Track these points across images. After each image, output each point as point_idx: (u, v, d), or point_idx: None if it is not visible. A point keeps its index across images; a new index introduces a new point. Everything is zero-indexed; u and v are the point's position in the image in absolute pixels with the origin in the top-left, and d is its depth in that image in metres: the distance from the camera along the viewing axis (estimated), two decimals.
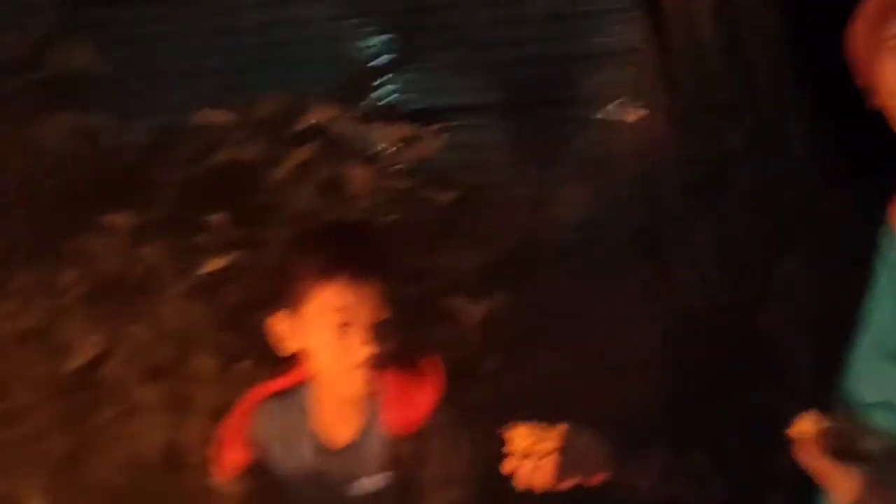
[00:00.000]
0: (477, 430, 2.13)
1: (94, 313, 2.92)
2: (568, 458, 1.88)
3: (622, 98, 3.92)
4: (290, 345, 2.23)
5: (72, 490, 2.81)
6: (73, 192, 3.13)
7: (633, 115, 3.91)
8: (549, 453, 1.87)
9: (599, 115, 3.93)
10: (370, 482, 2.21)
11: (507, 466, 1.89)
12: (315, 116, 3.19)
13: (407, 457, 2.18)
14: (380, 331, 2.15)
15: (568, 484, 1.90)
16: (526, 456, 1.87)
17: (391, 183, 3.19)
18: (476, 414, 2.16)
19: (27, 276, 2.98)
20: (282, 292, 2.22)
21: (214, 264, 2.91)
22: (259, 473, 2.30)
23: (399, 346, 2.21)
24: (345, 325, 2.13)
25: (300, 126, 3.20)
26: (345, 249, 2.20)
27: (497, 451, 2.00)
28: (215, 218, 2.98)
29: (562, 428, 1.88)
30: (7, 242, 3.10)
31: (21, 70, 3.16)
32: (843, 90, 1.65)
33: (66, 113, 3.19)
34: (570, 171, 3.74)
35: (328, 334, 2.14)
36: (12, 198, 3.13)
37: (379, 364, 2.16)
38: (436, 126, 3.33)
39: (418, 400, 2.19)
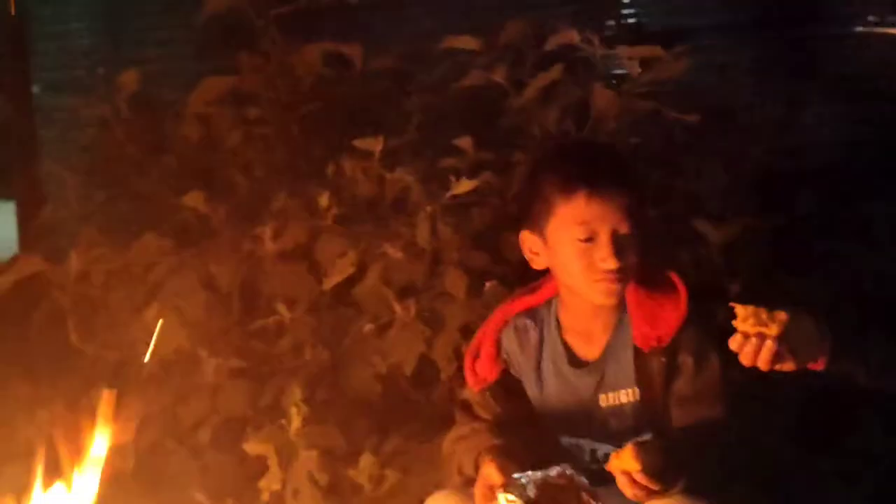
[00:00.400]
0: (722, 351, 2.13)
1: (349, 233, 3.04)
2: (788, 344, 1.93)
3: (877, 13, 3.76)
4: (538, 261, 2.28)
5: (330, 400, 2.95)
6: (327, 118, 3.25)
7: (889, 30, 3.75)
8: (770, 337, 1.89)
9: (852, 31, 3.78)
10: (618, 396, 2.24)
11: (732, 342, 1.94)
12: (559, 40, 3.21)
13: (655, 372, 2.20)
14: (624, 245, 2.17)
15: (786, 368, 1.93)
16: (748, 336, 1.91)
17: (635, 104, 3.17)
18: (721, 336, 2.15)
19: (287, 199, 3.12)
20: (528, 210, 2.27)
21: (463, 186, 2.99)
22: (507, 387, 2.37)
23: (644, 263, 2.23)
24: (588, 240, 2.17)
25: (545, 49, 3.22)
26: (587, 164, 2.24)
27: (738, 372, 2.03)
28: (463, 141, 3.05)
29: (783, 314, 1.91)
30: (268, 167, 3.27)
31: (277, 2, 3.29)
32: None
33: (320, 42, 3.31)
34: (820, 89, 3.62)
35: (573, 249, 2.18)
36: (272, 124, 3.28)
37: (625, 278, 2.19)
38: (680, 47, 3.28)
39: (666, 315, 2.20)
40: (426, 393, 2.95)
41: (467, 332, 2.81)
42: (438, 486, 2.40)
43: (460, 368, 2.72)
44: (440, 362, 2.90)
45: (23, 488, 2.52)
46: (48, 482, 2.49)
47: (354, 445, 2.89)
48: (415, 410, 2.94)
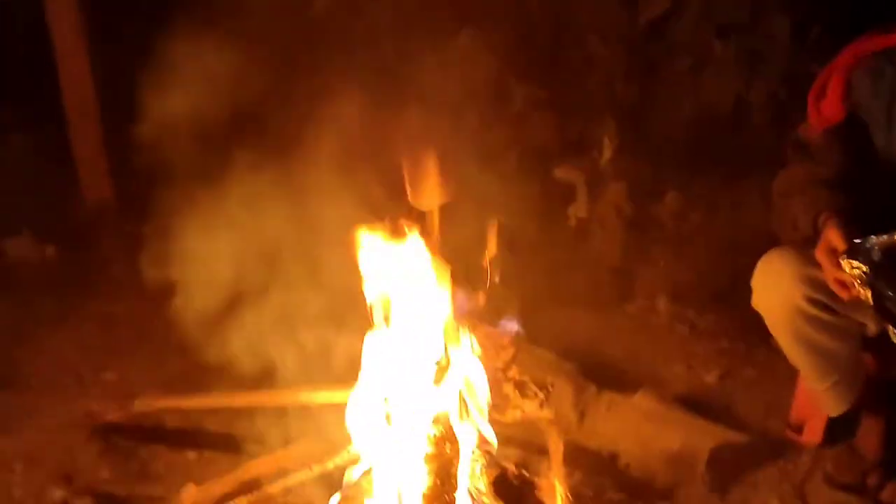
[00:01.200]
0: None
1: None
2: None
3: None
4: None
5: (637, 138, 2.95)
6: None
7: None
8: None
9: None
10: None
11: None
12: None
13: None
14: None
15: None
16: None
17: None
18: None
19: None
20: None
21: None
22: (851, 131, 2.29)
23: None
24: None
25: None
26: None
27: None
28: None
29: None
30: None
31: None
32: None
33: None
34: None
35: None
36: None
37: None
38: None
39: None
40: (738, 136, 2.91)
41: (787, 77, 2.76)
42: (739, 227, 2.37)
43: (776, 113, 2.68)
44: (756, 105, 2.86)
45: None
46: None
47: (662, 182, 2.91)
48: (725, 153, 2.92)
